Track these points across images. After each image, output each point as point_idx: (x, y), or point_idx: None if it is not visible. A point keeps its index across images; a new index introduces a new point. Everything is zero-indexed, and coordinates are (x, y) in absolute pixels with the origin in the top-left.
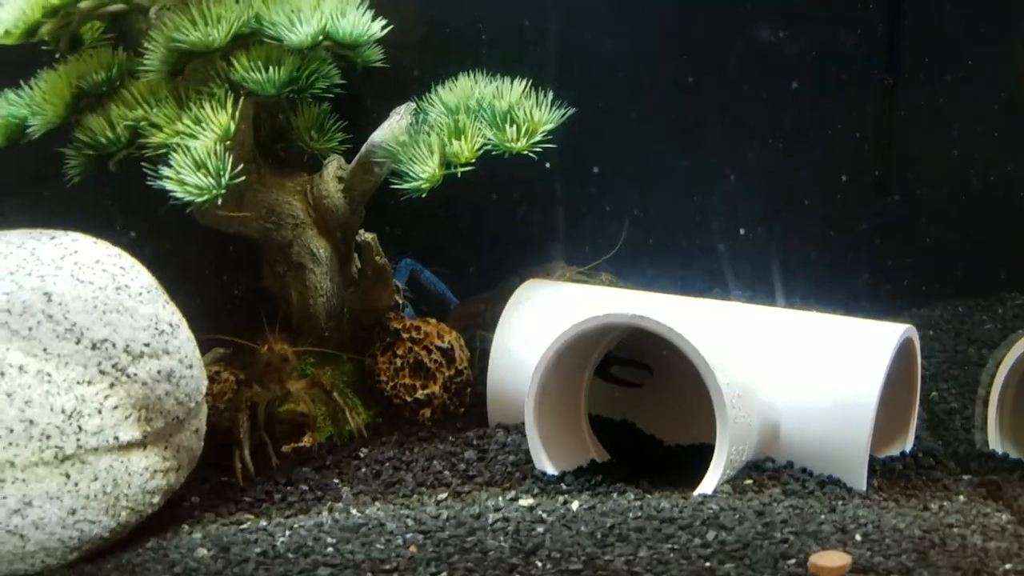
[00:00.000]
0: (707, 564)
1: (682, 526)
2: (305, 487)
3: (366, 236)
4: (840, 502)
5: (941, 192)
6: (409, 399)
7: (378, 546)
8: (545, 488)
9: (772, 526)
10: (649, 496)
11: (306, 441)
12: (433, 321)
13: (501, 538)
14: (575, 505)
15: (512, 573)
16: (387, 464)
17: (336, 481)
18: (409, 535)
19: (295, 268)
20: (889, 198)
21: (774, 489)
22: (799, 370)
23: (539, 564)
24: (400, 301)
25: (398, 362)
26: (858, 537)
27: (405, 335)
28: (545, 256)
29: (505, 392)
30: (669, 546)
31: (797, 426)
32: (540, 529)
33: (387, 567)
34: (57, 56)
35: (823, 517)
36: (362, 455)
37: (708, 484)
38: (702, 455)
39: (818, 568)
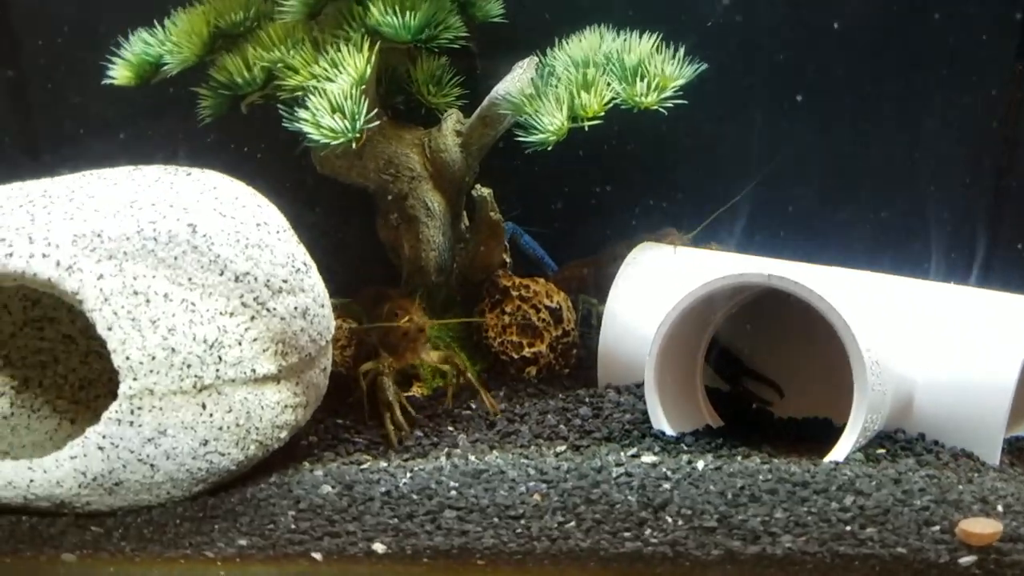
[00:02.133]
0: (848, 528)
1: (817, 490)
2: (420, 433)
3: (482, 190)
4: (976, 474)
5: None
6: (516, 356)
7: (501, 492)
8: (666, 447)
9: (911, 494)
10: (776, 460)
11: (415, 391)
12: (542, 280)
13: (627, 492)
14: (700, 464)
15: (642, 527)
16: (500, 416)
17: (451, 429)
18: (532, 483)
19: (409, 221)
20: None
21: (908, 459)
22: (936, 342)
23: (669, 520)
24: (508, 260)
25: (506, 319)
26: (1000, 508)
27: (515, 293)
28: (649, 222)
29: (617, 353)
30: (805, 509)
31: (931, 398)
32: (666, 486)
33: (512, 513)
34: None
35: (961, 488)
36: (473, 407)
37: (840, 451)
38: (816, 429)
39: (969, 535)
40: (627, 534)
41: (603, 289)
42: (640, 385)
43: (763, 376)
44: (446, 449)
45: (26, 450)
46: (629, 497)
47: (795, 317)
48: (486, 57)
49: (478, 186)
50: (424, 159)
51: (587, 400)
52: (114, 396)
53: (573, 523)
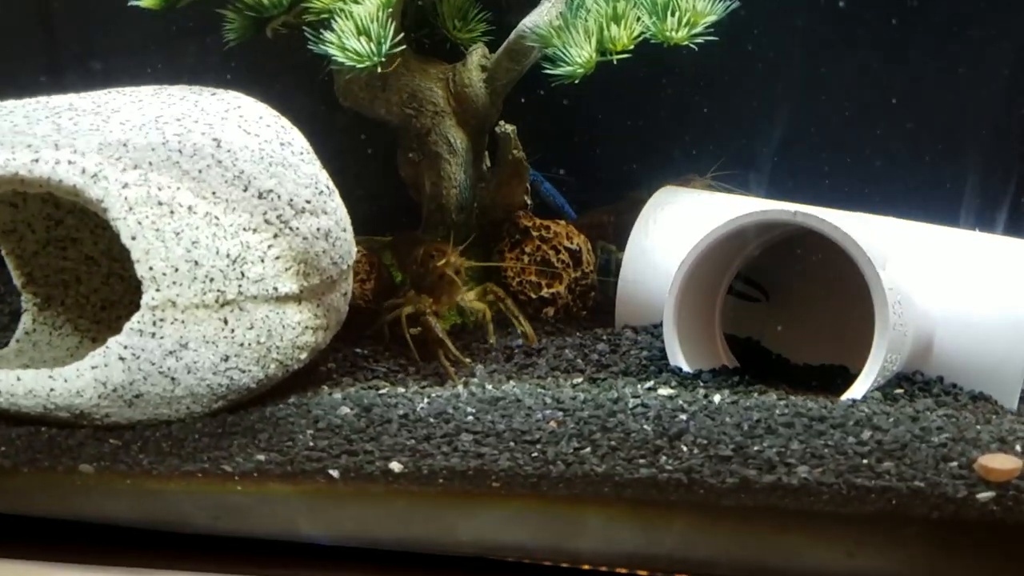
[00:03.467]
0: (864, 461)
1: (834, 425)
2: (437, 363)
3: (506, 127)
4: (994, 416)
5: None
6: (534, 296)
7: (518, 418)
8: (683, 381)
9: (928, 431)
10: (793, 398)
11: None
12: (562, 223)
13: (643, 422)
14: (717, 398)
15: (658, 455)
16: (517, 350)
17: (468, 360)
18: (548, 411)
19: (431, 157)
20: None
21: (926, 399)
22: (958, 285)
23: (685, 449)
24: (529, 201)
25: (525, 259)
26: (1019, 448)
27: (535, 233)
28: (672, 170)
29: (636, 293)
30: (822, 442)
31: (951, 340)
32: (683, 417)
33: (528, 438)
34: None
35: (979, 428)
36: (491, 341)
37: (859, 388)
38: (832, 374)
39: (988, 470)
40: (642, 461)
41: (623, 237)
42: (658, 326)
43: (748, 278)
44: (463, 378)
45: (47, 365)
46: (645, 426)
47: (819, 263)
48: None
49: (502, 122)
50: (448, 94)
51: (605, 338)
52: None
53: (588, 449)
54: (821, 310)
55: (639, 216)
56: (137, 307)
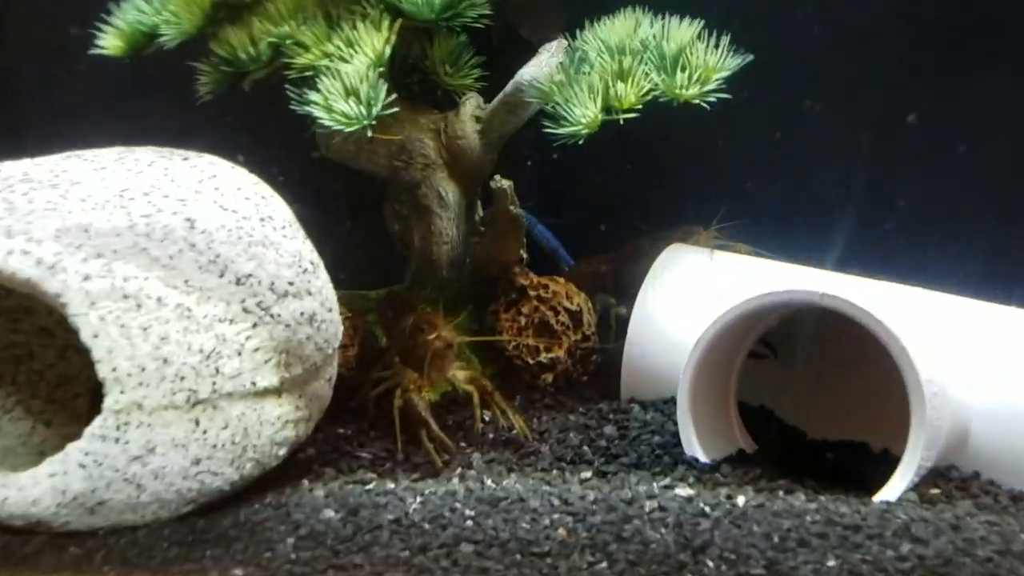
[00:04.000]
0: None
1: (870, 535)
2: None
3: (502, 182)
4: None
5: None
6: (532, 361)
7: (523, 524)
8: (701, 477)
9: (972, 543)
10: (822, 498)
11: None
12: (561, 280)
13: (662, 530)
14: (741, 500)
15: (682, 571)
16: (516, 432)
17: (463, 444)
18: (556, 515)
19: (421, 211)
20: None
21: (964, 501)
22: (995, 369)
23: (711, 564)
24: (525, 256)
25: (522, 320)
26: None
27: (532, 292)
28: (671, 218)
29: (644, 365)
30: (859, 556)
31: (989, 433)
32: (705, 524)
33: (537, 550)
34: None
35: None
36: (486, 418)
37: (893, 490)
38: (855, 455)
39: None
40: None
41: (622, 287)
42: (667, 401)
43: (763, 339)
44: (459, 469)
45: None
46: (665, 536)
47: (839, 330)
48: (505, 35)
49: (497, 177)
50: (439, 145)
51: (611, 417)
52: (93, 396)
53: (604, 564)
54: (840, 378)
55: (646, 277)
56: (96, 382)
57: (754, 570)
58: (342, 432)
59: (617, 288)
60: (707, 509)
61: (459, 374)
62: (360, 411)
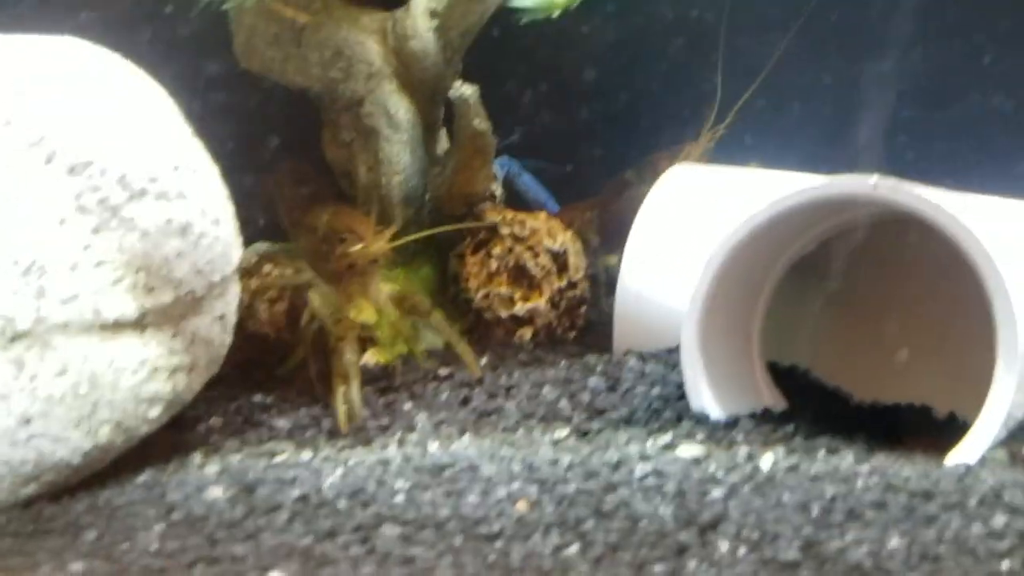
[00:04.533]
0: (1005, 564)
1: (948, 505)
2: (366, 412)
3: (465, 90)
4: None
5: None
6: (504, 314)
7: (470, 498)
8: (713, 434)
9: None
10: (878, 459)
11: (369, 358)
12: (543, 216)
13: (657, 501)
14: (766, 462)
15: (682, 556)
16: (478, 389)
17: (409, 406)
18: (516, 485)
19: (365, 134)
20: None
21: None
22: None
23: (724, 546)
24: (499, 189)
25: (493, 264)
26: None
27: (505, 230)
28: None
29: (641, 311)
30: (934, 533)
31: None
32: (717, 493)
33: (484, 530)
34: None
35: None
36: (442, 374)
37: (974, 448)
38: (912, 419)
39: None
40: (659, 568)
41: (610, 236)
42: (672, 351)
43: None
44: (398, 434)
45: None
46: (661, 510)
47: (892, 263)
48: None
49: (459, 83)
50: (386, 50)
51: (599, 369)
52: None
53: (575, 548)
54: (895, 328)
55: (641, 209)
56: None
57: (785, 553)
58: (259, 401)
59: (603, 237)
60: (719, 474)
61: (385, 288)
62: (290, 378)
